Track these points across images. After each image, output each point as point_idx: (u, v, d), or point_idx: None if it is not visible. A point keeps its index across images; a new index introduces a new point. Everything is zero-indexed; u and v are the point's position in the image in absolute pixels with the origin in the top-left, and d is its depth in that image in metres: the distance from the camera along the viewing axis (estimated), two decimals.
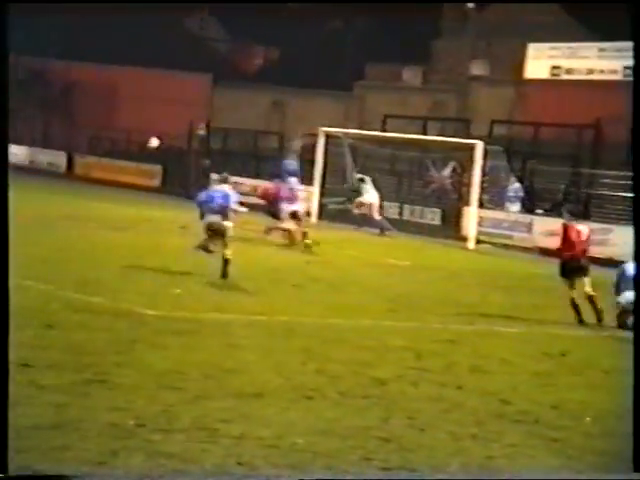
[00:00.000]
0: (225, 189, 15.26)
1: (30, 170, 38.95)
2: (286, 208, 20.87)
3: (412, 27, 44.10)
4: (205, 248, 14.89)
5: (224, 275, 14.44)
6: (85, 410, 7.01)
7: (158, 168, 37.82)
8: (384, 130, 34.11)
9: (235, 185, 37.62)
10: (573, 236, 13.84)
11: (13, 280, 13.03)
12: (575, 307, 13.47)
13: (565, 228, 14.07)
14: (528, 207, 28.59)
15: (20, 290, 12.03)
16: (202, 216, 15.05)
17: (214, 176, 36.22)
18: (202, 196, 15.30)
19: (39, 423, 6.62)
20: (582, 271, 13.63)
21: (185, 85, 48.13)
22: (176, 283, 13.52)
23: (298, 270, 16.64)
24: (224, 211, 14.87)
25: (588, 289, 13.55)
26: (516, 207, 28.51)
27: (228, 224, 14.82)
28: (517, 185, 28.70)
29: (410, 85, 48.08)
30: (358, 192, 27.44)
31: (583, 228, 14.18)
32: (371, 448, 6.73)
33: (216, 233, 14.74)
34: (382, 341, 10.82)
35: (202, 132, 38.35)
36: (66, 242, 17.72)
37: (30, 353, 8.64)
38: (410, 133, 30.88)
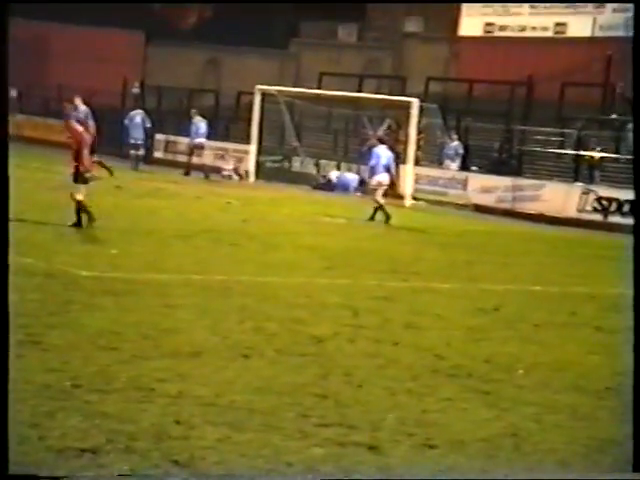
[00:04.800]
0: None
1: None
2: None
3: None
4: None
5: None
6: (19, 372, 6.96)
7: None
8: (320, 88, 34.00)
9: (171, 144, 37.22)
10: None
11: None
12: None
13: None
14: (463, 164, 28.80)
15: None
16: None
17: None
18: None
19: None
20: None
21: (118, 43, 47.38)
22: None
23: (236, 229, 16.64)
24: None
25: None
26: (456, 165, 28.67)
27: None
28: (457, 143, 28.84)
29: (345, 43, 47.94)
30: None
31: None
32: (308, 405, 6.80)
33: None
34: (318, 299, 10.88)
35: (136, 90, 37.86)
36: None
37: None
38: (346, 91, 30.84)
